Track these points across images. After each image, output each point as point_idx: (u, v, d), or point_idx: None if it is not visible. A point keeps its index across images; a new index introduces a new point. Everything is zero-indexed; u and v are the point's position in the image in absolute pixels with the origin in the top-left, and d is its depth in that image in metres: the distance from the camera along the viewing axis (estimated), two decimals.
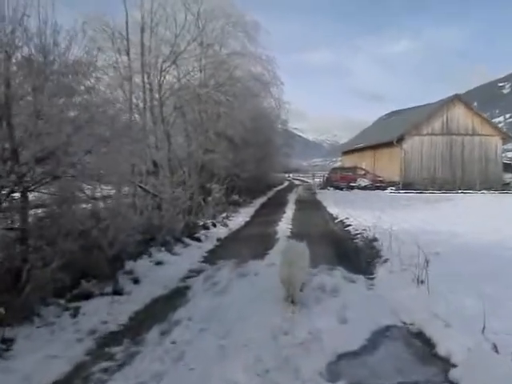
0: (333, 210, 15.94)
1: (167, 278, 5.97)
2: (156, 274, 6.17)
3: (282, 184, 44.10)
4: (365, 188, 31.39)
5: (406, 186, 31.11)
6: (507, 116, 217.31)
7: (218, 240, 9.35)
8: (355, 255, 7.90)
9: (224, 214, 13.34)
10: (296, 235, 9.09)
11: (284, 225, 11.69)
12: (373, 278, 6.05)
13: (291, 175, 66.72)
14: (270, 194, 27.64)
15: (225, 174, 17.45)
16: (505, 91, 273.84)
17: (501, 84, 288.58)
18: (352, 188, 31.48)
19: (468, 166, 31.87)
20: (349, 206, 17.10)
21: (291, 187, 37.81)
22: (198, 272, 6.48)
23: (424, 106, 36.00)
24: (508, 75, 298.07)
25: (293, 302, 4.86)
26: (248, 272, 6.37)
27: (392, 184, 31.82)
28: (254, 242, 9.17)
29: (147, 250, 7.02)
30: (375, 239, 8.68)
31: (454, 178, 31.57)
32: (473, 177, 31.43)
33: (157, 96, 13.03)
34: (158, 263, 6.67)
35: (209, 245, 8.72)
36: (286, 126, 38.14)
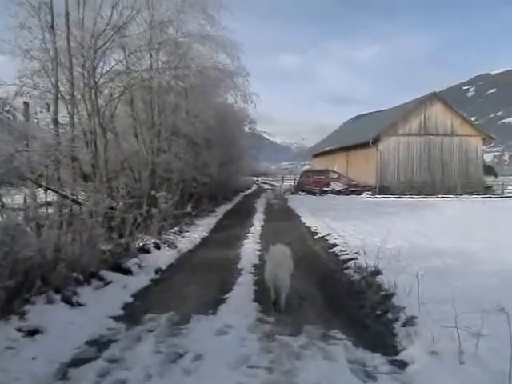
0: (309, 221, 13.48)
1: (29, 371, 3.22)
2: (13, 360, 3.39)
3: (249, 188, 41.57)
4: (339, 193, 29.31)
5: (383, 190, 29.32)
6: (473, 119, 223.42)
7: (157, 272, 6.58)
8: (356, 303, 5.33)
9: (175, 229, 10.61)
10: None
11: (250, 244, 9.08)
12: (403, 366, 3.47)
13: (260, 179, 64.57)
14: (237, 200, 24.97)
15: (180, 179, 14.72)
16: (469, 94, 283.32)
17: (465, 87, 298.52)
18: (325, 193, 29.32)
19: (447, 169, 30.42)
20: (326, 216, 14.78)
21: (260, 192, 35.29)
22: (101, 348, 3.73)
23: (400, 105, 34.36)
24: (471, 79, 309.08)
25: (278, 309, 4.84)
26: (186, 348, 3.68)
27: (368, 188, 29.93)
28: (206, 276, 6.45)
29: (22, 304, 4.24)
30: (377, 271, 6.20)
31: (433, 182, 30.02)
32: (453, 180, 30.02)
33: (91, 82, 10.15)
34: (32, 332, 3.87)
35: (140, 281, 5.94)
36: (254, 128, 35.77)
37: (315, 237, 10.38)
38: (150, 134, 13.37)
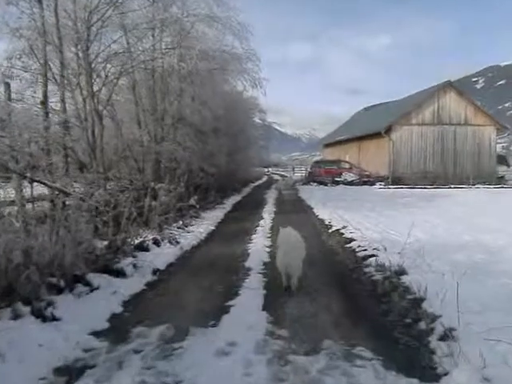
0: (322, 212, 12.71)
1: None
2: None
3: (260, 179, 40.83)
4: (351, 183, 28.44)
5: (396, 180, 28.37)
6: None
7: (155, 273, 5.88)
8: (380, 308, 4.58)
9: (179, 223, 9.94)
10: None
11: (260, 239, 8.34)
12: None
13: (270, 169, 63.85)
14: (246, 191, 24.24)
15: (186, 170, 14.03)
16: (478, 86, 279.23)
17: (474, 79, 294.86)
18: (337, 183, 28.46)
19: (460, 159, 29.39)
20: (340, 207, 14.00)
21: (270, 183, 34.53)
22: (71, 377, 3.01)
23: (413, 95, 33.17)
24: (481, 70, 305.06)
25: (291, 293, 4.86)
26: (177, 375, 2.97)
27: (380, 179, 28.99)
28: (209, 277, 5.73)
29: None
30: (401, 270, 5.45)
31: (446, 172, 29.01)
32: (465, 170, 28.99)
33: (85, 63, 9.41)
34: None
35: (134, 285, 5.22)
36: (264, 118, 34.96)
37: (329, 230, 9.61)
38: (152, 121, 12.66)
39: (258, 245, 7.73)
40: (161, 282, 5.54)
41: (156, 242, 7.43)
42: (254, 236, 8.80)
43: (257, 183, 34.59)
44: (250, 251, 7.27)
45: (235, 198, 18.35)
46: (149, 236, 7.62)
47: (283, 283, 4.97)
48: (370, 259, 6.40)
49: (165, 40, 12.57)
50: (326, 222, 10.79)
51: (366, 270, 6.00)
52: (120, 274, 5.42)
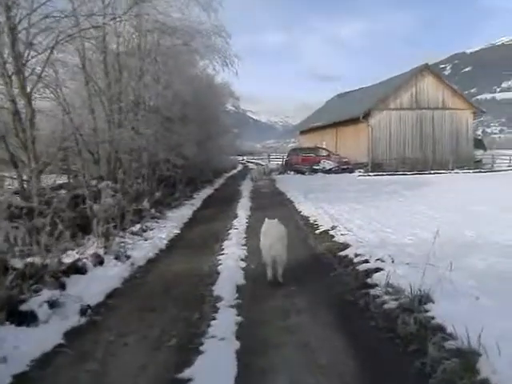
0: (304, 207, 11.23)
1: None
2: None
3: (234, 168, 39.13)
4: (330, 171, 27.12)
5: (375, 167, 27.27)
6: None
7: (84, 312, 4.10)
8: (407, 367, 3.06)
9: (137, 227, 8.24)
10: (257, 283, 4.47)
11: (233, 248, 6.71)
12: None
13: (245, 158, 62.18)
14: (219, 182, 22.53)
15: (149, 162, 12.26)
16: (446, 72, 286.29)
17: (442, 66, 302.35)
18: (315, 171, 27.09)
19: (439, 144, 28.65)
20: (323, 200, 12.62)
21: (245, 172, 32.84)
22: None
23: (391, 79, 32.01)
24: (448, 57, 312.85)
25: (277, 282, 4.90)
26: None
27: (359, 166, 27.82)
28: (160, 317, 4.06)
29: None
30: (424, 295, 3.98)
31: (425, 157, 28.19)
32: (444, 155, 28.24)
33: (5, 26, 7.41)
34: None
35: (43, 340, 3.43)
36: (238, 105, 33.19)
37: (316, 231, 8.10)
38: (107, 105, 10.76)
39: (231, 257, 6.11)
40: (87, 330, 3.83)
41: (97, 260, 5.72)
42: (226, 243, 7.17)
43: (231, 173, 32.88)
44: (220, 268, 5.65)
45: (206, 192, 16.64)
46: (89, 251, 5.91)
47: (268, 277, 4.98)
48: (376, 275, 4.91)
49: (118, 7, 10.64)
50: (311, 220, 9.31)
51: (373, 292, 4.51)
52: (29, 318, 3.73)
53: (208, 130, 19.12)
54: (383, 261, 5.36)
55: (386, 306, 4.12)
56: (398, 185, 18.22)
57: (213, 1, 11.16)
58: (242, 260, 6.04)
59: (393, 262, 5.26)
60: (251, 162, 52.49)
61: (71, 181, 8.55)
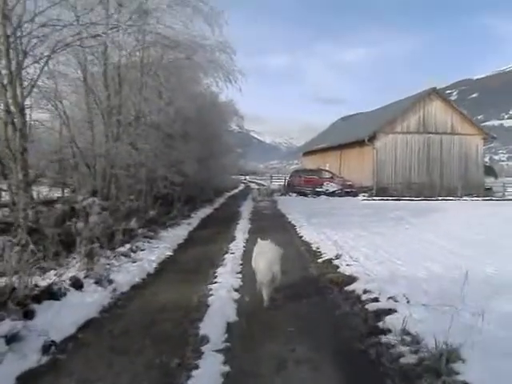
0: (306, 232, 10.61)
1: None
2: None
3: (236, 188, 38.59)
4: (333, 194, 26.57)
5: (380, 191, 26.68)
6: None
7: (46, 350, 3.44)
8: None
9: (126, 248, 7.63)
10: (250, 320, 3.88)
11: (227, 276, 6.07)
12: None
13: (247, 178, 61.86)
14: (220, 201, 21.94)
15: (146, 178, 11.74)
16: (452, 98, 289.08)
17: (448, 91, 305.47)
18: (318, 194, 26.53)
19: (447, 169, 28.02)
20: (326, 224, 12.01)
21: (247, 192, 32.29)
22: None
23: (398, 101, 31.73)
24: (454, 83, 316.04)
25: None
26: None
27: (364, 189, 27.25)
28: (134, 364, 3.44)
29: None
30: (451, 351, 3.34)
31: (432, 183, 27.56)
32: (452, 181, 27.62)
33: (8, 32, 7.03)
34: None
35: None
36: (242, 125, 32.87)
37: (319, 260, 7.46)
38: (107, 118, 10.31)
39: (224, 286, 5.48)
40: (46, 373, 3.18)
41: (76, 284, 5.11)
42: (220, 270, 6.54)
43: (232, 192, 32.33)
44: (211, 299, 5.01)
45: (205, 211, 16.03)
46: (69, 273, 5.30)
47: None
48: (389, 318, 4.27)
49: (121, 18, 10.30)
50: (314, 247, 8.68)
51: (386, 339, 3.86)
52: None
53: (210, 148, 18.66)
54: (396, 300, 4.72)
55: (403, 361, 3.46)
56: (405, 211, 17.60)
57: (219, 17, 10.77)
58: (236, 290, 5.40)
59: (408, 302, 4.62)
60: (253, 182, 52.07)
61: (66, 195, 7.96)
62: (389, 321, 4.20)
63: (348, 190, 27.21)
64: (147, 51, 11.05)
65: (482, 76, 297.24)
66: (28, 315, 4.07)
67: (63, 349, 3.65)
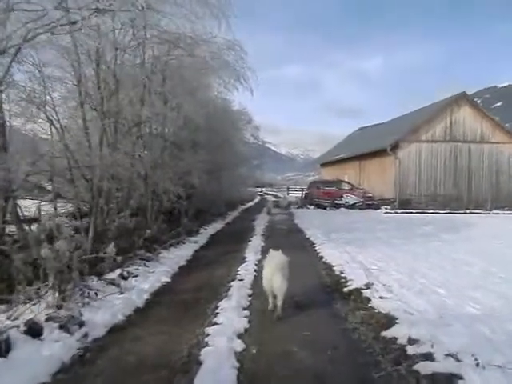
0: (327, 251, 9.29)
1: None
2: None
3: (251, 200, 37.40)
4: (353, 207, 25.12)
5: (403, 204, 25.11)
6: None
7: None
8: None
9: (114, 274, 6.48)
10: None
11: (231, 314, 4.78)
12: None
13: (264, 190, 60.73)
14: (233, 215, 20.74)
15: (145, 190, 10.63)
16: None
17: (475, 99, 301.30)
18: (337, 206, 25.12)
19: (476, 180, 26.21)
20: (349, 241, 10.75)
21: (262, 204, 31.05)
22: None
23: (423, 108, 30.15)
24: (478, 91, 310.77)
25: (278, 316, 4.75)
26: None
27: (386, 202, 25.71)
28: None
29: None
30: None
31: (459, 195, 25.80)
32: (481, 193, 25.84)
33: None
34: None
35: None
36: (257, 136, 31.80)
37: (345, 289, 6.13)
38: (100, 124, 9.24)
39: (225, 331, 4.21)
40: None
41: (32, 329, 3.94)
42: (222, 304, 5.26)
43: (247, 205, 31.12)
44: (204, 352, 3.73)
45: (215, 227, 14.83)
46: (25, 315, 4.14)
47: (269, 307, 4.97)
48: None
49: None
50: (337, 270, 7.35)
51: None
52: None
53: (222, 159, 17.54)
54: (459, 359, 3.40)
55: None
56: (433, 225, 16.13)
57: (226, 8, 9.64)
58: (240, 337, 4.14)
59: (477, 364, 3.29)
60: (269, 194, 50.88)
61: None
62: None
63: (369, 202, 25.75)
64: (147, 48, 10.00)
65: (508, 84, 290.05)
66: None
67: None
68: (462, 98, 26.13)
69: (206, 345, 3.92)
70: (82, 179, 8.84)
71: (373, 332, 4.30)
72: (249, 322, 4.60)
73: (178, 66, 10.77)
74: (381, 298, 5.43)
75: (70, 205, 9.83)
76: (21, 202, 7.63)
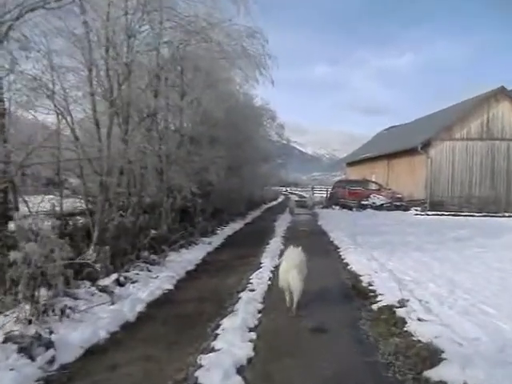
0: (353, 257, 8.30)
1: None
2: None
3: (275, 200, 36.46)
4: (381, 207, 23.81)
5: (434, 205, 23.62)
6: None
7: None
8: None
9: (109, 280, 5.72)
10: None
11: (234, 336, 3.89)
12: None
13: (288, 189, 59.72)
14: (253, 215, 19.86)
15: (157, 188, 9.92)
16: None
17: None
18: (364, 207, 23.87)
19: None
20: (377, 246, 9.76)
21: (285, 204, 30.09)
22: None
23: (457, 104, 28.39)
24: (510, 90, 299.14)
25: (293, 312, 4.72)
26: None
27: (415, 203, 24.28)
28: None
29: None
30: None
31: (497, 196, 24.05)
32: None
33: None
34: None
35: None
36: (282, 134, 30.84)
37: (373, 306, 5.15)
38: (109, 115, 8.54)
39: (221, 363, 3.29)
40: None
41: None
42: (225, 322, 4.37)
43: (270, 204, 30.21)
44: None
45: (234, 227, 14.00)
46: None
47: (287, 303, 4.89)
48: None
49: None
50: (364, 281, 6.36)
51: None
52: None
53: (243, 155, 16.71)
54: None
55: None
56: (469, 229, 14.79)
57: None
58: (239, 372, 3.24)
59: None
60: (294, 194, 49.84)
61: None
62: None
63: (397, 203, 24.38)
64: (162, 35, 9.24)
65: None
66: None
67: None
68: (500, 93, 24.33)
69: (195, 382, 3.05)
70: (90, 173, 8.19)
71: (412, 370, 3.34)
72: (254, 348, 3.71)
73: (195, 56, 9.99)
74: (419, 320, 4.43)
75: (78, 200, 9.22)
76: (31, 198, 7.03)
